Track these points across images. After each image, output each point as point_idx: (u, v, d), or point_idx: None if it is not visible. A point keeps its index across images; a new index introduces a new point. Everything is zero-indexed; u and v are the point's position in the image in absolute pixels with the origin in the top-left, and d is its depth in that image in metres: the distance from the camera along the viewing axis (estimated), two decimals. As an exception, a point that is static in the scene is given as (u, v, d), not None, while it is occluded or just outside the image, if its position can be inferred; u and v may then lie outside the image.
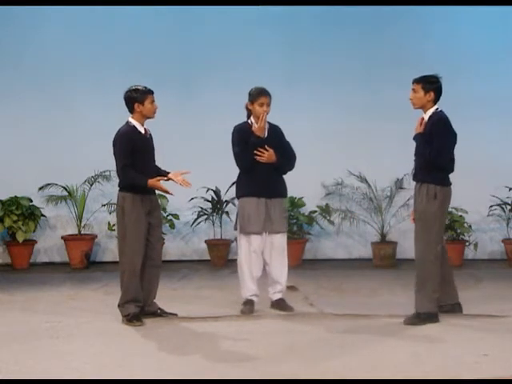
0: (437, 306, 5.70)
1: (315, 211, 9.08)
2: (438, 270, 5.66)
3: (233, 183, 8.77)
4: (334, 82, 9.03)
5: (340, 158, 8.92)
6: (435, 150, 5.62)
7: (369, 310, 6.14)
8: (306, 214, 8.98)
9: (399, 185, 9.01)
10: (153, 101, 5.77)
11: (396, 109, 8.89)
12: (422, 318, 5.62)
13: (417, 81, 5.76)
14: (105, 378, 4.34)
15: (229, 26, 9.12)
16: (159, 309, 5.92)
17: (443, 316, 5.75)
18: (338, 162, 8.88)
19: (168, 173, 5.90)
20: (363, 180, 9.01)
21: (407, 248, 9.03)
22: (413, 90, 5.77)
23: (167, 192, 5.81)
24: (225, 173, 8.72)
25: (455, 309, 5.88)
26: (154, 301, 5.90)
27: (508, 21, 9.14)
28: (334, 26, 9.18)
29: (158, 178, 5.73)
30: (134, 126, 5.76)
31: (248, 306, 6.10)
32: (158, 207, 5.95)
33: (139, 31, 9.07)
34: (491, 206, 9.02)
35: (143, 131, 5.80)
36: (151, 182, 5.68)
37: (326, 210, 9.08)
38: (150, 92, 5.77)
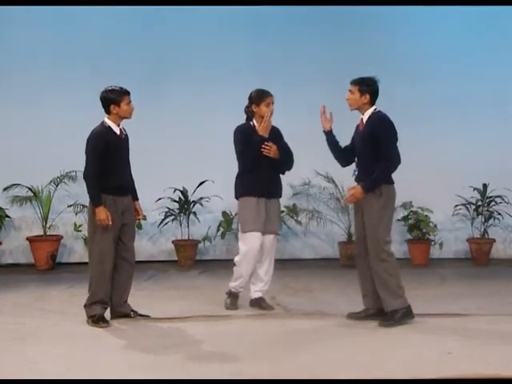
0: (406, 301, 5.59)
1: (282, 211, 9.05)
2: (394, 265, 5.61)
3: (200, 183, 8.84)
4: (300, 82, 9.03)
5: (307, 159, 8.89)
6: (388, 151, 5.62)
7: (336, 310, 6.16)
8: (274, 214, 8.99)
9: (366, 185, 9.05)
10: (129, 101, 5.71)
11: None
12: (395, 317, 5.56)
13: (354, 82, 5.81)
14: (71, 379, 4.31)
15: (193, 25, 9.08)
16: (132, 311, 5.87)
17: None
18: (306, 162, 8.84)
19: (137, 197, 5.91)
20: (330, 180, 9.04)
21: (374, 247, 9.10)
22: (349, 90, 5.83)
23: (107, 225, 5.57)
24: (192, 173, 8.76)
25: (381, 313, 5.67)
26: (128, 302, 5.86)
27: (468, 22, 9.20)
28: (299, 26, 9.18)
29: (107, 213, 5.54)
30: (108, 127, 5.70)
31: (233, 300, 6.23)
32: (131, 207, 5.87)
33: (104, 31, 8.97)
34: (456, 206, 9.11)
35: (118, 132, 5.75)
36: (101, 210, 5.53)
37: (293, 210, 9.10)
38: (127, 93, 5.70)
